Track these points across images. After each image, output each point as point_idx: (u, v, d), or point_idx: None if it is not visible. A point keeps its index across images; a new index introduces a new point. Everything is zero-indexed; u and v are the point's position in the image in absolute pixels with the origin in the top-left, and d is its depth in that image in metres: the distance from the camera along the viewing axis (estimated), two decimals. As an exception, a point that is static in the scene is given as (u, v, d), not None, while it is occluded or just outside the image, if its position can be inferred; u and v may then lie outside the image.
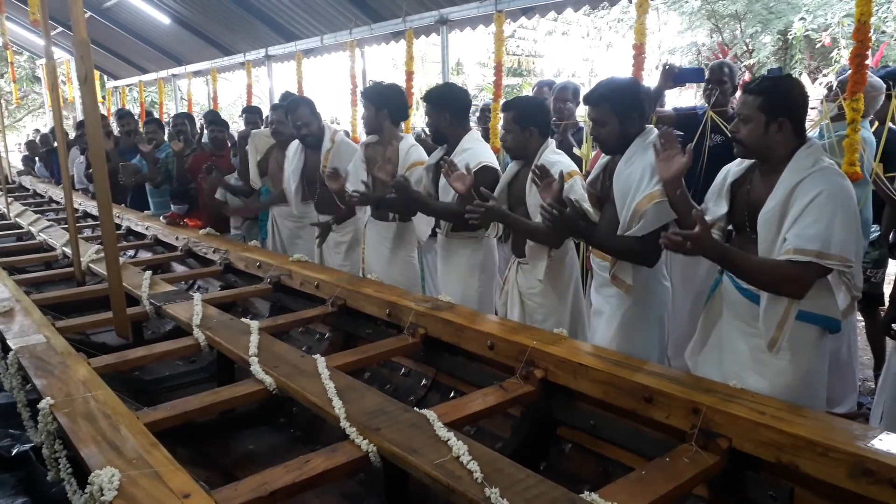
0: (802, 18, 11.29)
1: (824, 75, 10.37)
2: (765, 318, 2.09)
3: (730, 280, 2.25)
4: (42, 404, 1.95)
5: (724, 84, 3.70)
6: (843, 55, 10.01)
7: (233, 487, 1.64)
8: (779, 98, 2.07)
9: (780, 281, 2.02)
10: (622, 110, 2.45)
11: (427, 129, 4.00)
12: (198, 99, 11.57)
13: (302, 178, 4.24)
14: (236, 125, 14.81)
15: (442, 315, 2.66)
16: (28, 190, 8.81)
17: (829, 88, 3.90)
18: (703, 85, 3.81)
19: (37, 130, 13.58)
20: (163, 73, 11.37)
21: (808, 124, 2.21)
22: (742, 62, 12.50)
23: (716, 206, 2.30)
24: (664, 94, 3.75)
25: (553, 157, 2.87)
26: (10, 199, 6.80)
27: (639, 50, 4.40)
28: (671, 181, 2.30)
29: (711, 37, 13.87)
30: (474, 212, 2.71)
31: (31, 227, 5.58)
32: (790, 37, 11.93)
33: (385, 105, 3.60)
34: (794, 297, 2.02)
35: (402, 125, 3.94)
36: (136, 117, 7.52)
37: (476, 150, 3.20)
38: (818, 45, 11.67)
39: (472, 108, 4.23)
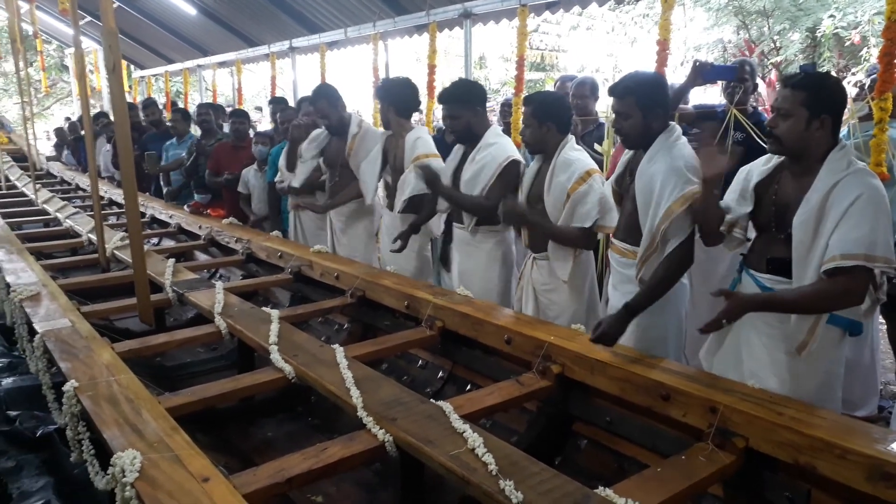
0: (832, 16, 11.08)
1: (853, 74, 10.18)
2: (797, 322, 2.06)
3: (750, 278, 2.23)
4: (67, 387, 2.00)
5: (745, 82, 3.66)
6: (873, 53, 9.82)
7: (251, 473, 1.68)
8: (823, 94, 2.02)
9: (836, 297, 1.96)
10: (647, 104, 2.42)
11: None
12: (222, 90, 11.63)
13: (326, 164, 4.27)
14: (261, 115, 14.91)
15: (460, 308, 2.67)
16: (56, 177, 8.94)
17: (861, 87, 3.82)
18: (723, 83, 3.77)
19: (67, 118, 13.76)
20: (188, 64, 11.46)
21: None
22: (769, 60, 12.31)
23: (738, 206, 2.26)
24: (689, 92, 3.71)
25: (572, 153, 2.85)
26: (38, 186, 6.90)
27: (663, 46, 4.34)
28: (712, 180, 2.23)
29: (738, 34, 13.65)
30: (508, 207, 2.74)
31: (58, 214, 5.68)
32: (819, 34, 11.71)
33: (386, 99, 3.68)
34: (855, 304, 1.98)
35: (421, 117, 3.92)
36: (161, 107, 7.60)
37: (502, 145, 3.21)
38: (847, 44, 11.45)
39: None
